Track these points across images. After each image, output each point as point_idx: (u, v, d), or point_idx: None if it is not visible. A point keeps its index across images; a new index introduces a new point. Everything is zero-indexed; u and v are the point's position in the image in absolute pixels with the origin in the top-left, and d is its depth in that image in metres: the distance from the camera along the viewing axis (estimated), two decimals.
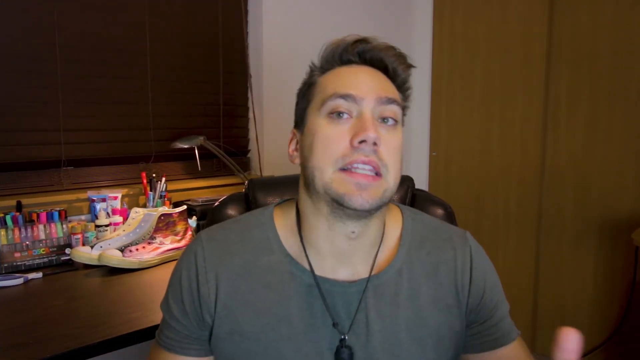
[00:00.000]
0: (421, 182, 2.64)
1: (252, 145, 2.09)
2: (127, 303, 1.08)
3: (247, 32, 2.04)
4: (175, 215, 1.45)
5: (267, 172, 2.06)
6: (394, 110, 0.64)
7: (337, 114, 0.62)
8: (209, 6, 1.94)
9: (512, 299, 2.50)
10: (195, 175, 1.94)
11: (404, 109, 0.69)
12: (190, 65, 1.91)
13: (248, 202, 1.00)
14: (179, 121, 1.90)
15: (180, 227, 1.47)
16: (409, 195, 1.07)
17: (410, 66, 0.69)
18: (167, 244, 1.41)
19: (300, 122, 0.69)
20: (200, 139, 1.75)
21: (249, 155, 2.13)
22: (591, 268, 2.16)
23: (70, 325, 0.95)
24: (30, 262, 1.32)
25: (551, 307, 2.29)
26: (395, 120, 0.65)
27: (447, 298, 0.68)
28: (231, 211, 0.98)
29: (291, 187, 1.02)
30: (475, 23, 2.41)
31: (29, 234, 1.34)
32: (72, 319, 0.98)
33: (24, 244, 1.32)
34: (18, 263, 1.30)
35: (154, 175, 1.67)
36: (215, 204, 1.00)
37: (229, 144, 2.01)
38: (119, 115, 1.74)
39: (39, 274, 1.25)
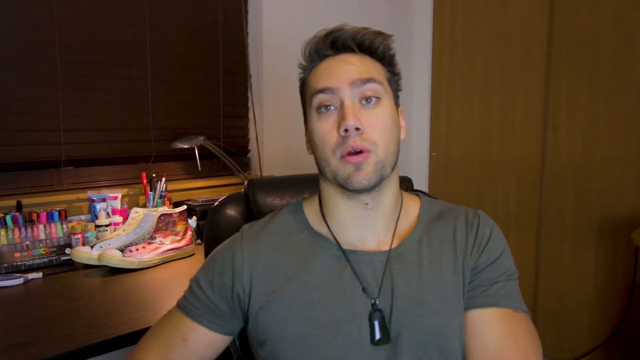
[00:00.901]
0: (421, 182, 2.65)
1: (252, 145, 2.09)
2: (127, 303, 1.08)
3: (247, 32, 2.04)
4: (175, 215, 1.45)
5: (267, 172, 2.06)
6: (372, 88, 0.69)
7: (324, 107, 0.69)
8: (209, 6, 1.94)
9: None
10: (195, 175, 1.94)
11: (392, 78, 0.75)
12: (190, 65, 1.91)
13: (248, 202, 1.00)
14: (179, 121, 1.90)
15: (180, 227, 1.47)
16: None
17: (386, 37, 0.73)
18: (167, 244, 1.41)
19: (305, 118, 0.77)
20: (200, 139, 1.75)
21: (249, 155, 2.13)
22: (591, 268, 2.16)
23: (70, 325, 0.95)
24: (30, 262, 1.32)
25: (551, 307, 2.29)
26: (377, 97, 0.69)
27: (463, 260, 0.72)
28: (231, 211, 0.98)
29: (291, 187, 1.02)
30: (475, 23, 2.41)
31: (29, 234, 1.34)
32: (72, 319, 0.99)
33: (24, 244, 1.32)
34: (18, 263, 1.30)
35: (154, 175, 1.67)
36: (215, 204, 1.00)
37: (229, 144, 2.01)
38: (119, 115, 1.74)
39: (39, 274, 1.25)
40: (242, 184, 1.90)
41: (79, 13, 1.62)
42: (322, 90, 0.69)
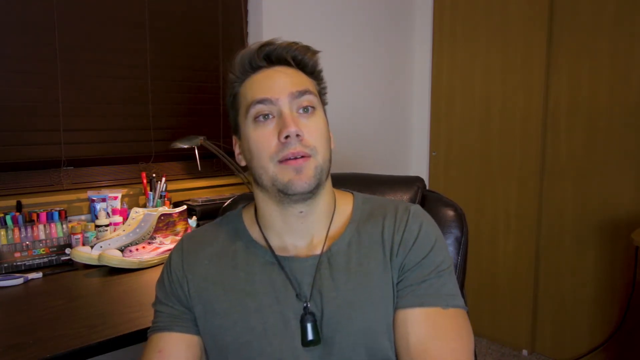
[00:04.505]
0: None
1: None
2: (127, 303, 1.08)
3: (247, 32, 2.04)
4: (175, 215, 1.45)
5: None
6: (309, 99, 0.72)
7: (262, 117, 0.70)
8: (209, 6, 1.94)
9: (512, 298, 2.49)
10: (195, 175, 1.94)
11: (321, 91, 0.78)
12: (190, 65, 1.91)
13: None
14: (179, 121, 1.90)
15: (180, 227, 1.47)
16: (419, 196, 1.05)
17: (315, 52, 0.76)
18: (167, 244, 1.41)
19: (236, 129, 0.78)
20: (200, 139, 1.75)
21: None
22: (591, 268, 2.16)
23: (70, 325, 0.95)
24: (30, 262, 1.32)
25: (551, 307, 2.29)
26: (313, 107, 0.72)
27: (390, 259, 0.73)
28: None
29: None
30: (475, 23, 2.41)
31: (29, 234, 1.34)
32: (72, 319, 0.99)
33: (24, 244, 1.32)
34: (18, 263, 1.30)
35: (154, 175, 1.67)
36: (226, 203, 1.01)
37: (229, 143, 2.01)
38: (119, 115, 1.74)
39: (39, 274, 1.25)
40: (242, 184, 1.91)
41: (79, 13, 1.62)
42: (260, 101, 0.70)
